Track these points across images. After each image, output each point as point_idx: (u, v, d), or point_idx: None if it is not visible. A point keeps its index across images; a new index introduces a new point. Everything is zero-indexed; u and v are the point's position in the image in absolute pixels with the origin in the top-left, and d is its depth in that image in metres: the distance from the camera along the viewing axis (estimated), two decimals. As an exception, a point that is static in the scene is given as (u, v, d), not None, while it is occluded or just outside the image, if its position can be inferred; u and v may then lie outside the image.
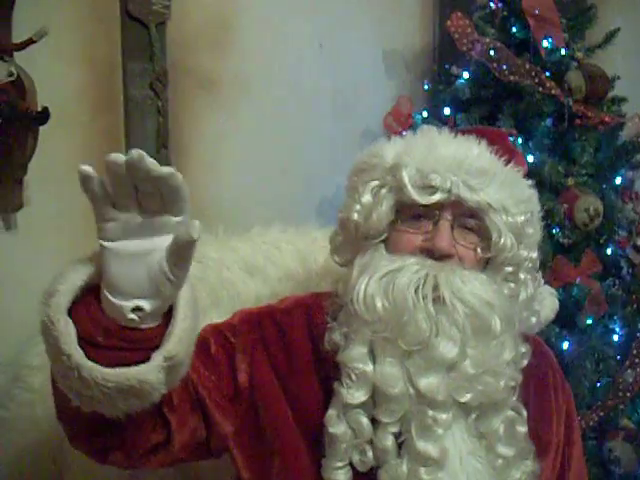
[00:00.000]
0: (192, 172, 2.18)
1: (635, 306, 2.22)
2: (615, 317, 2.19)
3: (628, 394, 2.13)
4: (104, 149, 2.01)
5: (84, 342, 0.95)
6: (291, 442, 1.18)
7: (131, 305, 0.95)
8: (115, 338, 0.96)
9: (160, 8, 2.04)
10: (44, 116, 1.70)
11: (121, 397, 0.96)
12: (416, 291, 1.10)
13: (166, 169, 0.89)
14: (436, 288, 1.11)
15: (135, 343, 0.97)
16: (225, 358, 1.20)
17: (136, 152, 0.88)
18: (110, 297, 0.95)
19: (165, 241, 0.93)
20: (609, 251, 2.20)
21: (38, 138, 1.77)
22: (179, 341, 0.97)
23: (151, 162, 0.88)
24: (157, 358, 0.96)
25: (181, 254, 0.93)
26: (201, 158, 2.20)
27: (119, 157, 0.89)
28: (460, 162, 1.14)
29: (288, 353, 1.21)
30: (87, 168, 0.91)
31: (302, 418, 1.18)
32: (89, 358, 0.95)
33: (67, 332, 0.94)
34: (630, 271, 2.27)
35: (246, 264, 1.55)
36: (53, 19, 1.82)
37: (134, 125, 2.03)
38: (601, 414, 2.11)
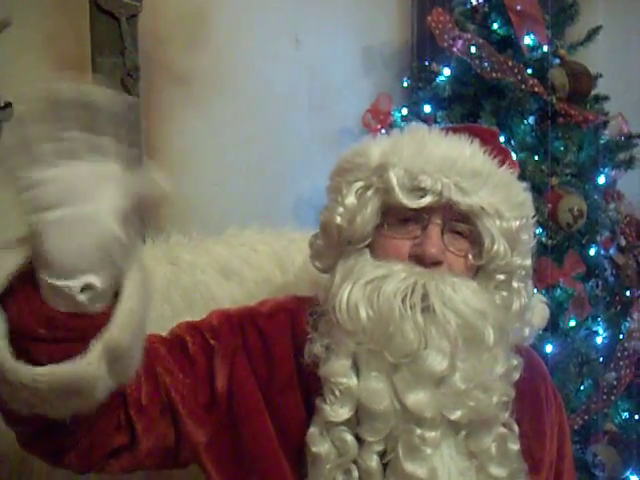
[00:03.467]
0: (164, 170, 2.12)
1: (619, 307, 2.21)
2: (598, 319, 2.18)
3: (612, 397, 2.11)
4: (72, 146, 1.95)
5: (23, 339, 0.85)
6: (273, 460, 1.10)
7: (79, 284, 0.83)
8: (61, 329, 0.85)
9: (131, 1, 1.98)
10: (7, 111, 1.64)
11: (58, 397, 0.86)
12: (403, 300, 1.03)
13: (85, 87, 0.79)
14: (425, 297, 1.04)
15: (84, 332, 0.86)
16: (203, 360, 1.11)
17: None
18: (51, 280, 0.83)
19: (106, 197, 0.81)
20: (592, 252, 2.19)
21: (1, 135, 1.70)
22: (122, 326, 0.86)
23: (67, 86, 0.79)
24: (96, 348, 0.86)
25: (142, 211, 0.83)
26: (174, 156, 2.15)
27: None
28: (452, 163, 1.06)
29: (270, 362, 1.14)
30: None
31: (284, 433, 1.11)
32: (29, 356, 0.85)
33: None
34: (614, 272, 2.26)
35: (221, 266, 1.50)
36: (18, 10, 1.77)
37: (104, 122, 1.96)
38: (585, 417, 2.09)
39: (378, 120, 2.30)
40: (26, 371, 0.85)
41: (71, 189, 0.82)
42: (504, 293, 1.10)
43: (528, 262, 1.13)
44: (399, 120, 2.27)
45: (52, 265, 0.83)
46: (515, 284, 1.11)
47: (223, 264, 1.50)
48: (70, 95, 0.79)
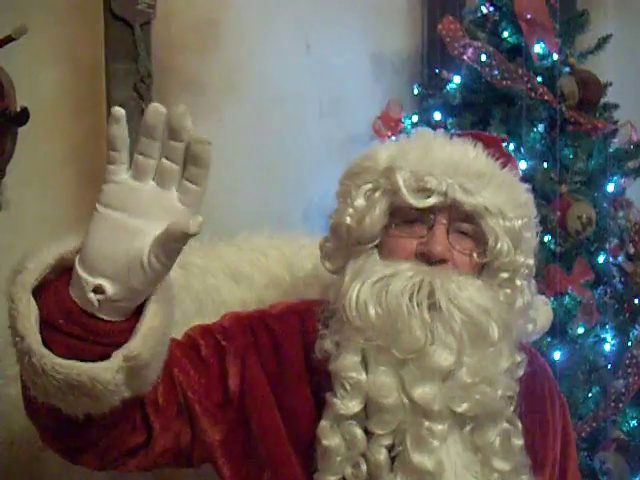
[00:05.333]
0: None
1: (627, 315, 2.20)
2: (607, 326, 2.18)
3: (620, 404, 2.11)
4: (86, 152, 1.97)
5: (47, 326, 0.89)
6: (283, 455, 1.13)
7: (94, 282, 0.86)
8: (76, 325, 0.88)
9: (145, 7, 2.00)
10: (23, 116, 1.65)
11: (72, 394, 0.89)
12: (411, 298, 1.06)
13: (203, 135, 0.84)
14: (432, 294, 1.07)
15: (97, 335, 0.89)
16: (216, 361, 1.14)
17: (182, 106, 0.84)
18: (78, 267, 0.87)
19: (158, 225, 0.86)
20: (601, 259, 2.19)
21: (17, 139, 1.72)
22: (143, 340, 0.89)
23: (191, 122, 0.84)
24: (117, 357, 0.89)
25: (168, 245, 0.84)
26: (186, 162, 2.16)
27: (161, 106, 0.84)
28: (456, 165, 1.10)
29: (280, 361, 1.17)
30: (120, 109, 0.86)
31: (293, 429, 1.14)
32: (49, 344, 0.88)
33: (26, 312, 0.88)
34: (622, 280, 2.25)
35: (232, 271, 1.51)
36: (34, 17, 1.78)
37: (117, 127, 1.98)
38: (593, 424, 2.09)
39: (388, 127, 2.31)
40: (49, 358, 0.87)
41: (139, 203, 0.87)
42: (508, 291, 1.13)
43: (531, 261, 1.16)
44: (409, 127, 2.27)
45: (86, 254, 0.87)
46: (518, 282, 1.14)
47: (234, 269, 1.51)
48: (181, 126, 0.84)
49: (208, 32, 2.18)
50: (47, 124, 1.87)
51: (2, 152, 1.69)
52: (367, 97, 2.47)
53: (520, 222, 1.12)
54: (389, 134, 2.27)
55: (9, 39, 1.61)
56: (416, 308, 1.06)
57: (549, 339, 2.02)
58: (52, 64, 1.91)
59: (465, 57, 2.18)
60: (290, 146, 2.34)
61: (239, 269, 1.51)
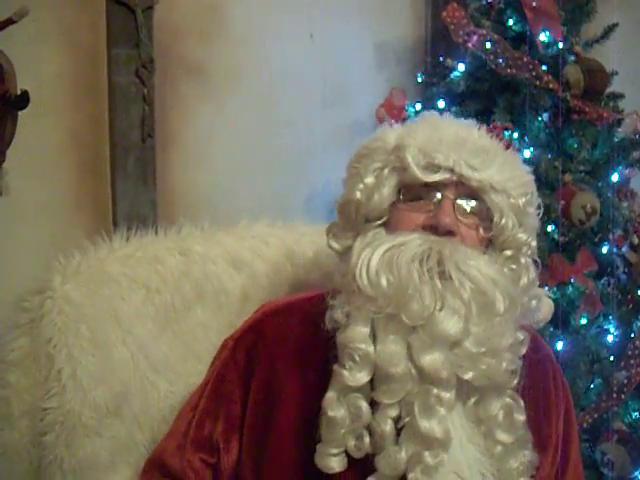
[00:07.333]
0: (178, 163, 2.14)
1: (630, 306, 2.20)
2: (610, 317, 2.18)
3: (622, 396, 2.10)
4: (87, 137, 1.96)
5: None
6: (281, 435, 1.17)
7: None
8: None
9: (147, -8, 1.99)
10: (23, 100, 1.65)
11: None
12: (421, 264, 1.09)
13: None
14: (440, 263, 1.10)
15: None
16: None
17: None
18: None
19: None
20: (604, 250, 2.19)
21: (17, 123, 1.71)
22: None
23: None
24: None
25: None
26: (187, 148, 2.16)
27: None
28: (462, 142, 1.14)
29: (273, 367, 1.20)
30: None
31: (300, 413, 1.16)
32: None
33: None
34: (626, 270, 2.25)
35: (232, 258, 1.51)
36: (35, 1, 1.77)
37: (119, 113, 1.98)
38: (595, 416, 2.08)
39: (392, 115, 2.30)
40: None
41: None
42: (513, 266, 1.16)
43: (534, 242, 1.19)
44: (413, 115, 2.26)
45: None
46: (523, 260, 1.17)
47: (234, 256, 1.50)
48: None
49: (211, 18, 2.17)
50: (48, 109, 1.86)
51: (2, 137, 1.69)
52: (370, 85, 2.47)
53: (524, 199, 1.16)
54: (392, 122, 2.26)
55: (9, 21, 1.61)
56: (426, 274, 1.09)
57: (552, 329, 2.02)
58: (53, 49, 1.90)
59: (469, 45, 2.17)
60: (293, 134, 2.34)
61: (240, 256, 1.51)
